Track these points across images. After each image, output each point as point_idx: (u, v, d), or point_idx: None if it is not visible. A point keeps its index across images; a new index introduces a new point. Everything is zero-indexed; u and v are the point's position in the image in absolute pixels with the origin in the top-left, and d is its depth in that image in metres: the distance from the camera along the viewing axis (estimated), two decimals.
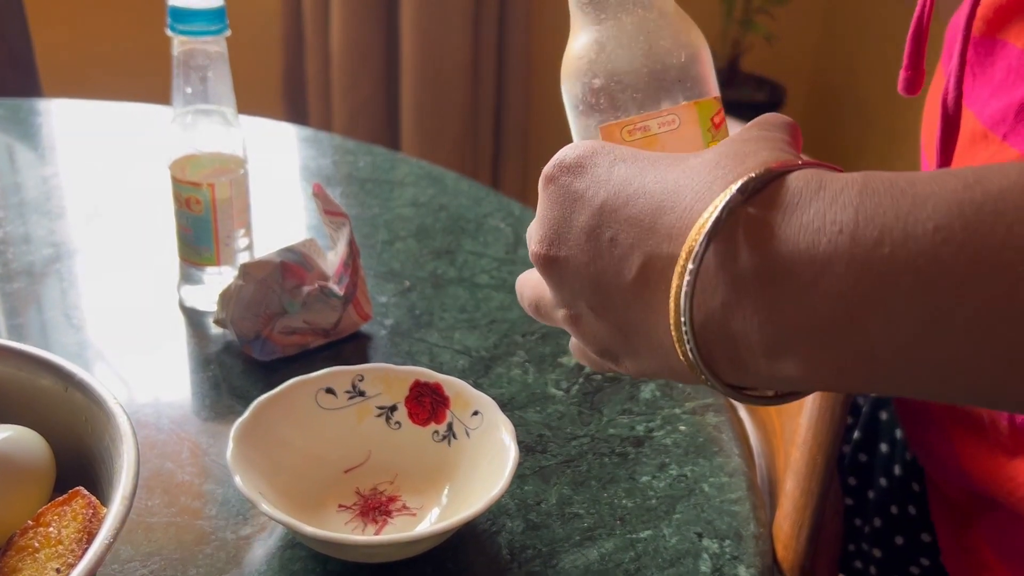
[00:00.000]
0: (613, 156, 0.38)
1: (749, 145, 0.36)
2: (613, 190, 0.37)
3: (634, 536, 0.55)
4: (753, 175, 0.33)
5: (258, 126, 1.07)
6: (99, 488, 0.45)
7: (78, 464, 0.47)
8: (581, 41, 0.42)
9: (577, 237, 0.37)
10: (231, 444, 0.52)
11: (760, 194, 0.33)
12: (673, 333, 0.34)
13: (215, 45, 0.65)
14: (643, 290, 0.36)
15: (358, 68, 1.83)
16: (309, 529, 0.47)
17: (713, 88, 0.42)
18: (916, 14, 0.51)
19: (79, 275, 0.79)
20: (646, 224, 0.35)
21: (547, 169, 0.39)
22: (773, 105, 1.99)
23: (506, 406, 0.61)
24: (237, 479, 0.49)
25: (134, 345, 0.70)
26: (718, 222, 0.32)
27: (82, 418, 0.47)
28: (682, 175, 0.35)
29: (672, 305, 0.34)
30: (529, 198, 2.00)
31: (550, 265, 0.39)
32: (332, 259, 0.70)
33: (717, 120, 0.41)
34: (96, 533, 0.40)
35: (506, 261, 0.84)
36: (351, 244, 0.68)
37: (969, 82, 0.51)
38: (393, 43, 1.86)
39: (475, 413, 0.57)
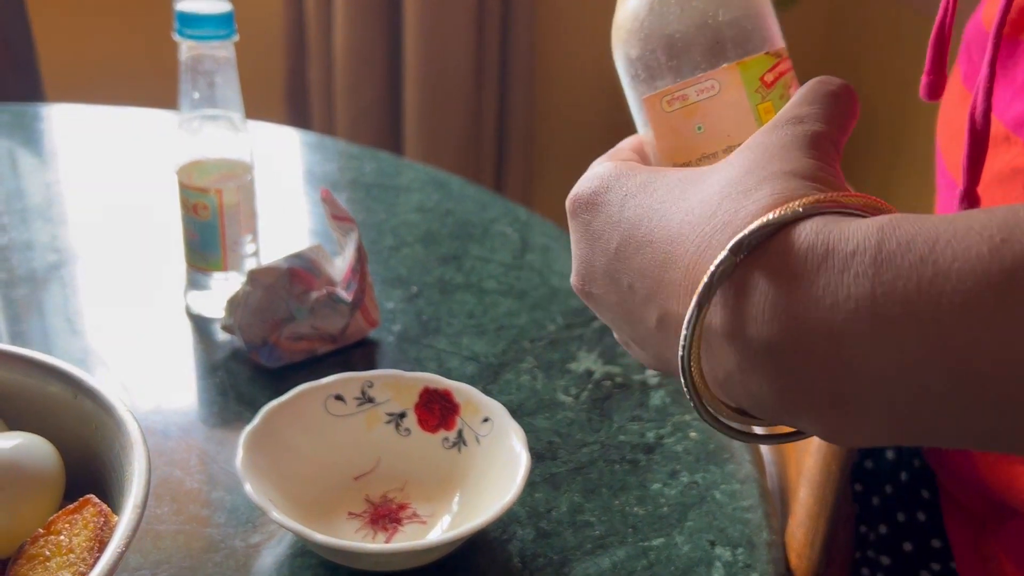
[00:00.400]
0: (624, 191, 0.37)
1: (759, 169, 0.34)
2: (625, 234, 0.36)
3: (646, 544, 0.54)
4: (746, 232, 0.31)
5: (261, 130, 1.07)
6: (109, 496, 0.44)
7: (87, 472, 0.47)
8: (622, 9, 0.40)
9: (603, 278, 0.38)
10: (240, 451, 0.51)
11: (761, 252, 0.31)
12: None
13: (223, 50, 0.65)
14: (666, 338, 0.36)
15: (361, 72, 1.83)
16: (320, 537, 0.47)
17: (767, 43, 0.38)
18: (938, 18, 0.50)
19: (83, 281, 0.78)
20: (655, 276, 0.35)
21: (568, 203, 0.40)
22: None
23: (515, 412, 0.61)
24: (247, 486, 0.49)
25: (139, 352, 0.70)
26: (709, 288, 0.32)
27: (91, 425, 0.46)
28: (685, 219, 0.34)
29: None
30: (533, 202, 1.99)
31: (587, 299, 0.40)
32: (340, 265, 0.70)
33: (770, 78, 0.38)
34: (107, 541, 0.40)
35: (513, 267, 0.84)
36: (359, 250, 0.67)
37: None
38: (396, 47, 1.86)
39: (485, 420, 0.57)
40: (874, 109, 2.05)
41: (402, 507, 0.55)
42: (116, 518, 0.41)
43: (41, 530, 0.41)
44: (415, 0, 1.77)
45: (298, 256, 0.67)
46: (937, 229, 0.28)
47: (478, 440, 0.57)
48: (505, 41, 1.91)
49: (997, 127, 0.50)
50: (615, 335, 0.42)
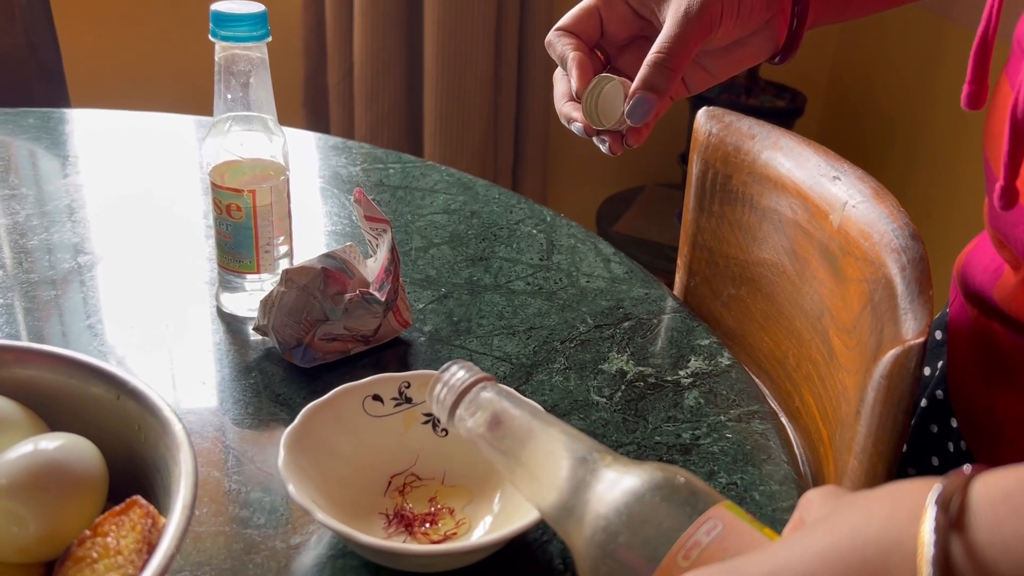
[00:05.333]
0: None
1: (867, 499, 0.34)
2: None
3: None
4: (940, 488, 0.31)
5: (287, 135, 1.07)
6: (154, 497, 0.44)
7: (129, 473, 0.46)
8: (589, 518, 0.42)
9: None
10: (282, 452, 0.51)
11: (959, 516, 0.31)
12: None
13: (257, 51, 0.64)
14: None
15: (380, 77, 1.83)
16: (365, 538, 0.47)
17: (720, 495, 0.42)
18: (981, 28, 0.50)
19: (110, 284, 0.78)
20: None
21: None
22: (794, 111, 1.98)
23: (550, 413, 0.60)
24: (290, 488, 0.49)
25: (172, 353, 0.70)
26: (941, 554, 0.30)
27: (134, 426, 0.46)
28: (845, 537, 0.33)
29: None
30: (548, 205, 1.99)
31: None
32: (372, 265, 0.69)
33: (749, 518, 0.41)
34: (155, 543, 0.39)
35: (540, 267, 0.83)
36: (393, 250, 0.67)
37: None
38: (415, 52, 1.86)
39: None
40: (888, 111, 2.05)
41: (441, 508, 0.55)
42: (163, 520, 0.41)
43: (88, 532, 0.41)
44: (434, 5, 1.77)
45: (331, 256, 0.67)
46: None
47: None
48: (523, 46, 1.91)
49: None
50: None
